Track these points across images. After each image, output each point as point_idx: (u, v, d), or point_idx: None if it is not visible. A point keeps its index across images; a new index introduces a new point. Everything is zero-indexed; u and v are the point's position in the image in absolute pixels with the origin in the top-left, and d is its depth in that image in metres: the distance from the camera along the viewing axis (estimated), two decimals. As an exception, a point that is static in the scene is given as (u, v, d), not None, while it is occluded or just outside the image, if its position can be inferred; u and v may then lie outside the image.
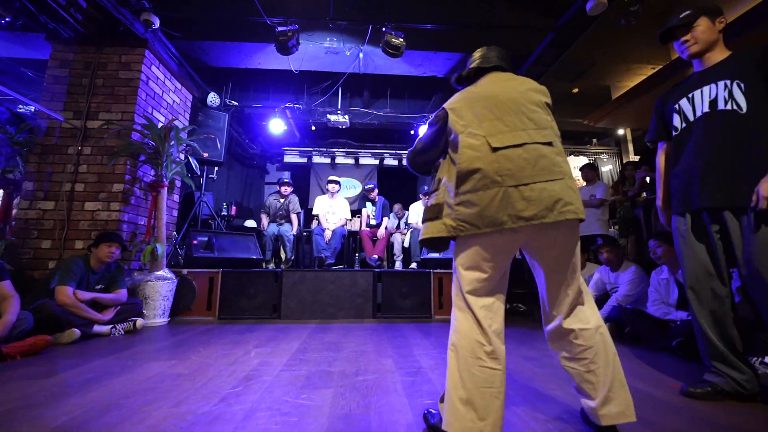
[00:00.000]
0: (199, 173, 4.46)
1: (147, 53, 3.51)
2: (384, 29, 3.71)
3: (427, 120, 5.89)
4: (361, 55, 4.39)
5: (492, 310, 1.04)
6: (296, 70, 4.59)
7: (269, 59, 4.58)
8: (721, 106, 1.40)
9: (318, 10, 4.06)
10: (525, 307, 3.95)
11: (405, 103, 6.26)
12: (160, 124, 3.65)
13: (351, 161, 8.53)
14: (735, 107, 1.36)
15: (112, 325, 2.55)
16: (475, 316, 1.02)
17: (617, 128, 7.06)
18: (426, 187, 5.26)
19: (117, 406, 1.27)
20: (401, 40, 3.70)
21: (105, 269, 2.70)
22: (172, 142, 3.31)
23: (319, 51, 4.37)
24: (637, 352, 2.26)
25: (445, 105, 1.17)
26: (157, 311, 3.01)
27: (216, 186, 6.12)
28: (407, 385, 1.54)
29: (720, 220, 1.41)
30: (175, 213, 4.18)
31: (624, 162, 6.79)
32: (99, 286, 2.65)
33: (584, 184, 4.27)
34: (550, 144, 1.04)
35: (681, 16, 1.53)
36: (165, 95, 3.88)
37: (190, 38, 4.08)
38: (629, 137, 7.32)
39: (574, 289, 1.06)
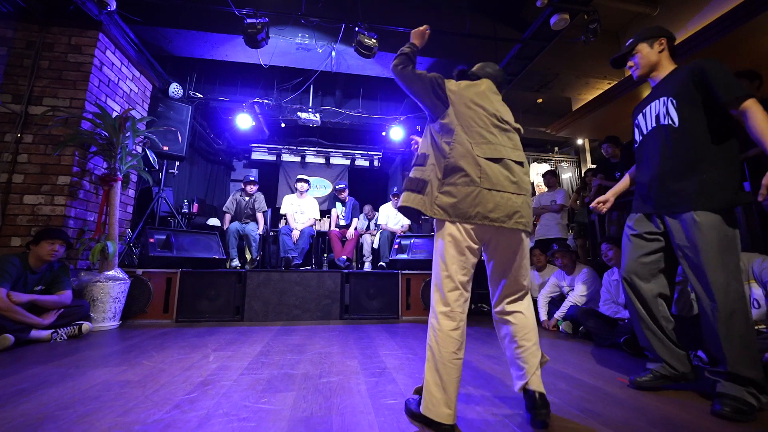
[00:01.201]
0: (157, 168, 4.20)
1: (101, 36, 3.27)
2: (357, 29, 3.70)
3: (398, 122, 5.93)
4: (333, 53, 4.35)
5: (461, 301, 1.18)
6: (266, 65, 4.46)
7: (237, 52, 4.41)
8: (662, 121, 1.54)
9: (289, 4, 3.98)
10: (489, 307, 4.08)
11: (377, 104, 6.27)
12: (114, 114, 3.42)
13: (322, 160, 8.43)
14: (670, 122, 1.51)
15: (53, 330, 2.34)
16: (451, 307, 1.16)
17: (577, 138, 7.49)
18: (396, 188, 5.30)
19: (52, 418, 1.16)
20: (374, 40, 3.71)
21: (46, 269, 2.47)
22: (128, 134, 3.10)
23: (290, 46, 4.27)
24: (589, 348, 2.39)
25: (449, 89, 1.28)
26: (106, 314, 2.80)
27: (177, 182, 5.81)
28: (371, 386, 1.54)
29: (664, 223, 1.55)
30: (130, 209, 3.93)
31: (584, 170, 7.20)
32: (39, 287, 2.42)
33: (546, 189, 4.49)
34: (521, 164, 1.24)
35: (626, 44, 1.71)
36: (121, 83, 3.64)
37: (152, 24, 3.85)
38: (587, 147, 7.79)
39: (518, 284, 1.25)
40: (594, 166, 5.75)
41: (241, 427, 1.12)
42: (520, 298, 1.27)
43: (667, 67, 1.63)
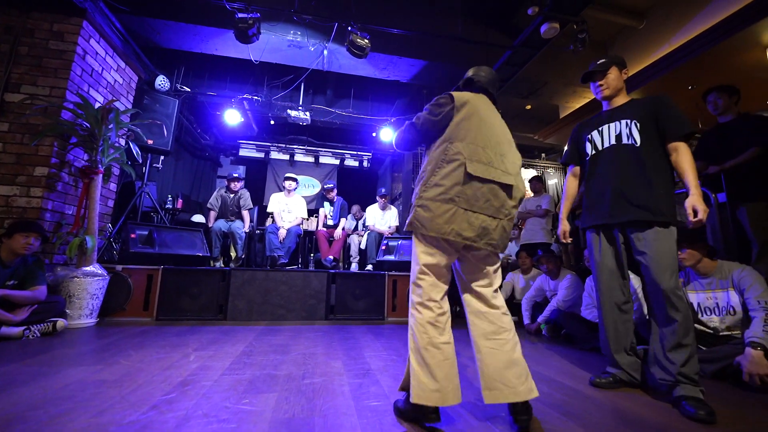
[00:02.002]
0: (141, 161, 4.10)
1: (85, 24, 3.17)
2: (350, 28, 3.69)
3: (389, 123, 5.94)
4: (325, 52, 4.33)
5: (437, 290, 1.24)
6: (256, 61, 4.41)
7: (227, 46, 4.35)
8: (624, 140, 1.70)
9: (282, 1, 3.94)
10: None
11: (368, 104, 6.27)
12: (97, 105, 3.32)
13: (311, 159, 8.37)
14: (633, 141, 1.67)
15: (25, 327, 2.25)
16: (429, 307, 1.22)
17: (563, 145, 7.63)
18: (383, 189, 5.30)
19: (21, 419, 1.11)
20: (366, 41, 3.70)
21: (20, 263, 2.37)
22: (111, 125, 3.01)
23: (281, 43, 4.23)
24: (570, 351, 2.44)
25: (456, 101, 1.29)
26: (83, 311, 2.71)
27: (161, 177, 5.68)
28: (355, 387, 1.53)
29: (625, 234, 1.68)
30: (111, 203, 3.82)
31: (568, 176, 7.35)
32: (11, 282, 2.32)
33: (532, 194, 4.56)
34: (509, 188, 1.27)
35: (598, 63, 1.81)
36: (105, 73, 3.53)
37: (139, 14, 3.76)
38: (573, 154, 7.94)
39: (486, 292, 1.29)
40: (579, 173, 5.87)
41: (220, 428, 1.10)
42: (486, 317, 1.28)
43: (624, 94, 1.80)
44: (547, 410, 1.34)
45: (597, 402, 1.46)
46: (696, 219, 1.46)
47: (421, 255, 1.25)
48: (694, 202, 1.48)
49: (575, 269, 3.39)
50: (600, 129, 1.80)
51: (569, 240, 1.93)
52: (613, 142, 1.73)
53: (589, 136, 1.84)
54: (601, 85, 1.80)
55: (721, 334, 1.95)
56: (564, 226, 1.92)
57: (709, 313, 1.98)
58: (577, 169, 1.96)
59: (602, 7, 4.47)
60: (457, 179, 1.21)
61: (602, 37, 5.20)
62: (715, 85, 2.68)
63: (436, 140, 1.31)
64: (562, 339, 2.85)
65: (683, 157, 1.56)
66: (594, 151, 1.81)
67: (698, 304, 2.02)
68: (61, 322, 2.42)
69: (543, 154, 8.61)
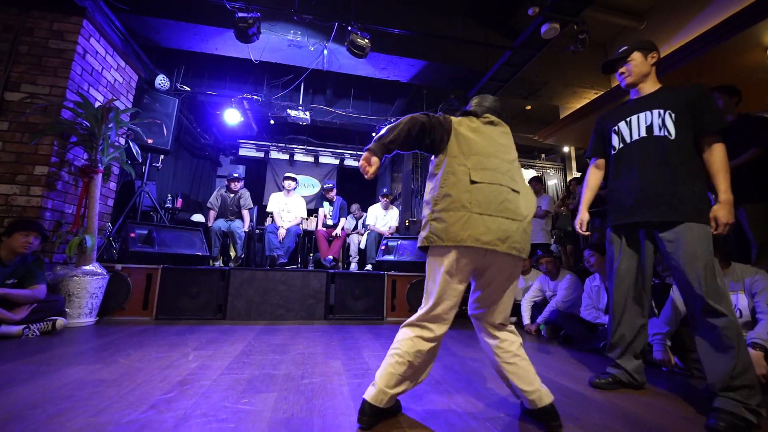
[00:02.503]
0: (141, 161, 4.09)
1: (85, 23, 3.17)
2: (350, 28, 3.69)
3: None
4: (325, 51, 4.32)
5: (447, 320, 1.21)
6: (256, 60, 4.40)
7: (227, 45, 4.34)
8: (656, 131, 1.56)
9: (282, 0, 3.94)
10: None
11: (368, 104, 6.27)
12: (97, 104, 3.32)
13: (310, 159, 8.37)
14: (666, 133, 1.53)
15: (24, 326, 2.25)
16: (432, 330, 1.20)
17: (563, 146, 7.64)
18: (385, 189, 5.30)
19: (20, 418, 1.11)
20: (367, 41, 3.70)
21: (19, 261, 2.37)
22: (111, 125, 3.01)
23: (281, 43, 4.23)
24: (570, 353, 2.44)
25: (454, 122, 1.29)
26: (82, 310, 2.70)
27: (161, 176, 5.68)
28: (354, 387, 1.53)
29: (653, 236, 1.57)
30: (111, 202, 3.81)
31: (570, 178, 7.36)
32: (10, 281, 2.32)
33: (532, 195, 4.55)
34: (517, 192, 1.24)
35: (619, 50, 1.71)
36: (105, 72, 3.53)
37: (139, 13, 3.75)
38: (573, 155, 7.96)
39: (502, 313, 1.25)
40: (579, 175, 5.88)
41: (219, 428, 1.10)
42: (501, 328, 1.26)
43: (654, 81, 1.67)
44: (545, 411, 1.34)
45: (596, 403, 1.46)
46: (716, 232, 1.39)
47: (436, 273, 1.21)
48: (718, 212, 1.39)
49: (575, 270, 3.40)
50: (628, 120, 1.66)
51: (586, 231, 1.81)
52: (643, 134, 1.60)
53: (616, 127, 1.71)
54: (622, 73, 1.69)
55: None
56: (583, 215, 1.81)
57: None
58: (601, 161, 1.85)
59: (602, 8, 4.48)
60: (465, 187, 1.18)
61: (602, 38, 5.20)
62: (716, 85, 2.68)
63: (438, 157, 1.29)
64: (561, 340, 2.85)
65: (717, 155, 1.43)
66: (621, 144, 1.68)
67: None
68: (60, 321, 2.42)
69: (543, 155, 8.62)
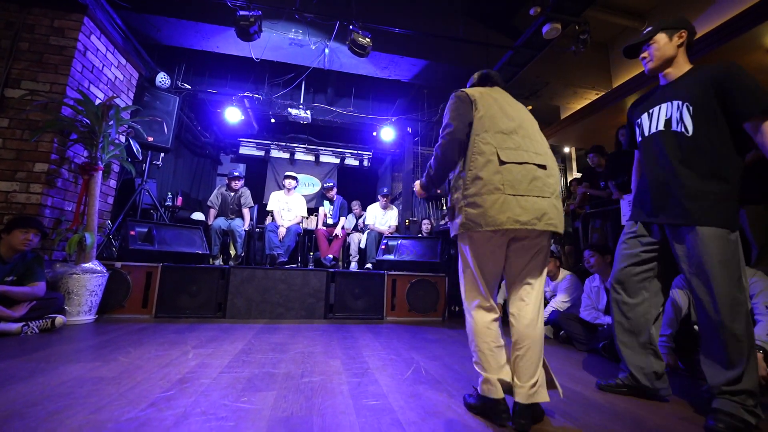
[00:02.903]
0: (141, 158, 4.09)
1: (86, 20, 3.16)
2: (351, 27, 3.68)
3: (389, 122, 5.93)
4: (327, 50, 4.32)
5: (493, 308, 1.28)
6: (257, 59, 4.40)
7: (229, 44, 4.34)
8: (673, 126, 1.42)
9: (284, -1, 3.93)
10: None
11: (369, 104, 6.26)
12: (97, 101, 3.31)
13: (311, 158, 8.36)
14: (682, 129, 1.39)
15: (23, 323, 2.24)
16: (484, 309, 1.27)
17: (563, 146, 7.63)
18: (385, 189, 5.29)
19: (19, 415, 1.11)
20: (368, 40, 3.70)
21: (18, 259, 2.37)
22: (111, 122, 3.00)
23: (282, 41, 4.22)
24: (569, 353, 2.44)
25: (470, 95, 1.30)
26: (82, 307, 2.70)
27: (161, 174, 5.67)
28: (353, 386, 1.53)
29: (664, 232, 1.48)
30: (111, 200, 3.81)
31: (570, 179, 7.35)
32: (10, 278, 2.32)
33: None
34: (544, 167, 1.24)
35: (643, 32, 1.55)
36: (106, 70, 3.53)
37: (140, 11, 3.75)
38: (573, 155, 7.95)
39: (527, 282, 1.27)
40: (579, 175, 5.87)
41: (219, 426, 1.10)
42: (524, 298, 1.26)
43: (682, 64, 1.49)
44: (546, 412, 1.33)
45: (596, 404, 1.45)
46: None
47: (472, 258, 1.26)
48: None
49: (574, 270, 3.39)
50: (650, 111, 1.51)
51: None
52: (660, 127, 1.45)
53: (639, 120, 1.58)
54: (644, 57, 1.53)
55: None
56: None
57: None
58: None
59: (604, 8, 4.47)
60: (494, 168, 1.18)
61: (604, 38, 5.19)
62: None
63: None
64: (560, 340, 2.85)
65: None
66: (641, 138, 1.56)
67: None
68: (60, 319, 2.42)
69: (543, 155, 8.59)
